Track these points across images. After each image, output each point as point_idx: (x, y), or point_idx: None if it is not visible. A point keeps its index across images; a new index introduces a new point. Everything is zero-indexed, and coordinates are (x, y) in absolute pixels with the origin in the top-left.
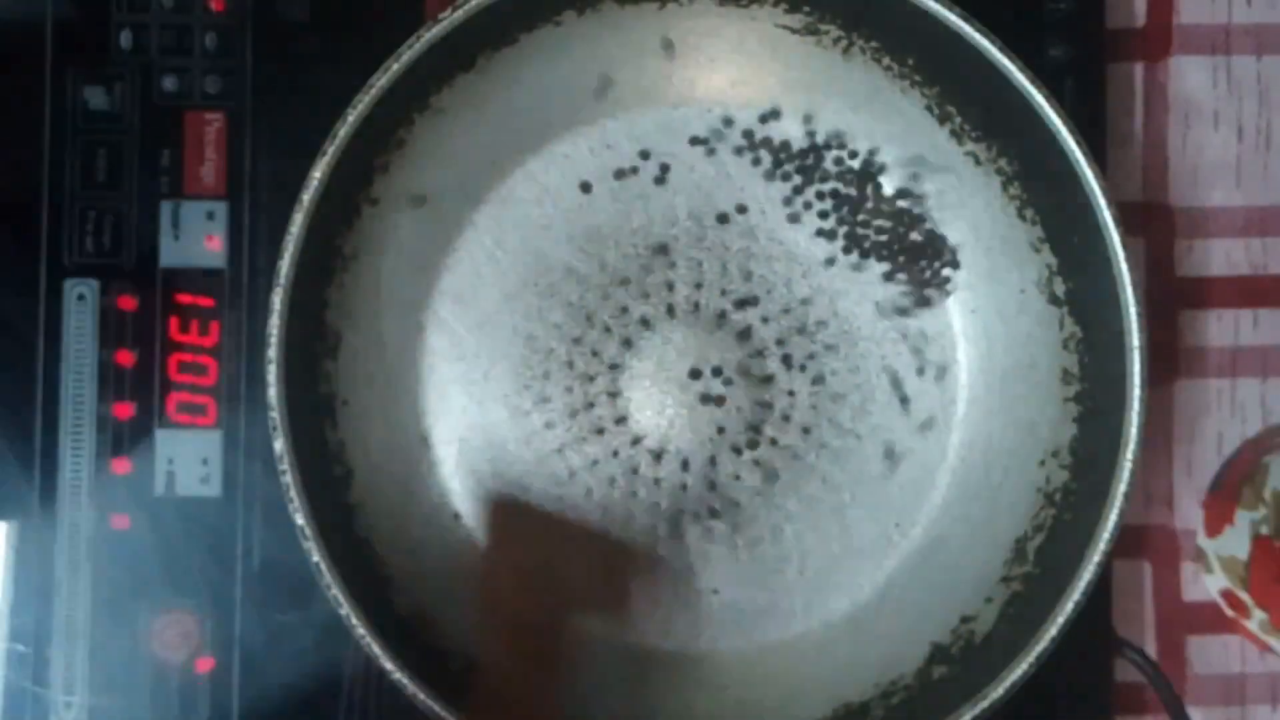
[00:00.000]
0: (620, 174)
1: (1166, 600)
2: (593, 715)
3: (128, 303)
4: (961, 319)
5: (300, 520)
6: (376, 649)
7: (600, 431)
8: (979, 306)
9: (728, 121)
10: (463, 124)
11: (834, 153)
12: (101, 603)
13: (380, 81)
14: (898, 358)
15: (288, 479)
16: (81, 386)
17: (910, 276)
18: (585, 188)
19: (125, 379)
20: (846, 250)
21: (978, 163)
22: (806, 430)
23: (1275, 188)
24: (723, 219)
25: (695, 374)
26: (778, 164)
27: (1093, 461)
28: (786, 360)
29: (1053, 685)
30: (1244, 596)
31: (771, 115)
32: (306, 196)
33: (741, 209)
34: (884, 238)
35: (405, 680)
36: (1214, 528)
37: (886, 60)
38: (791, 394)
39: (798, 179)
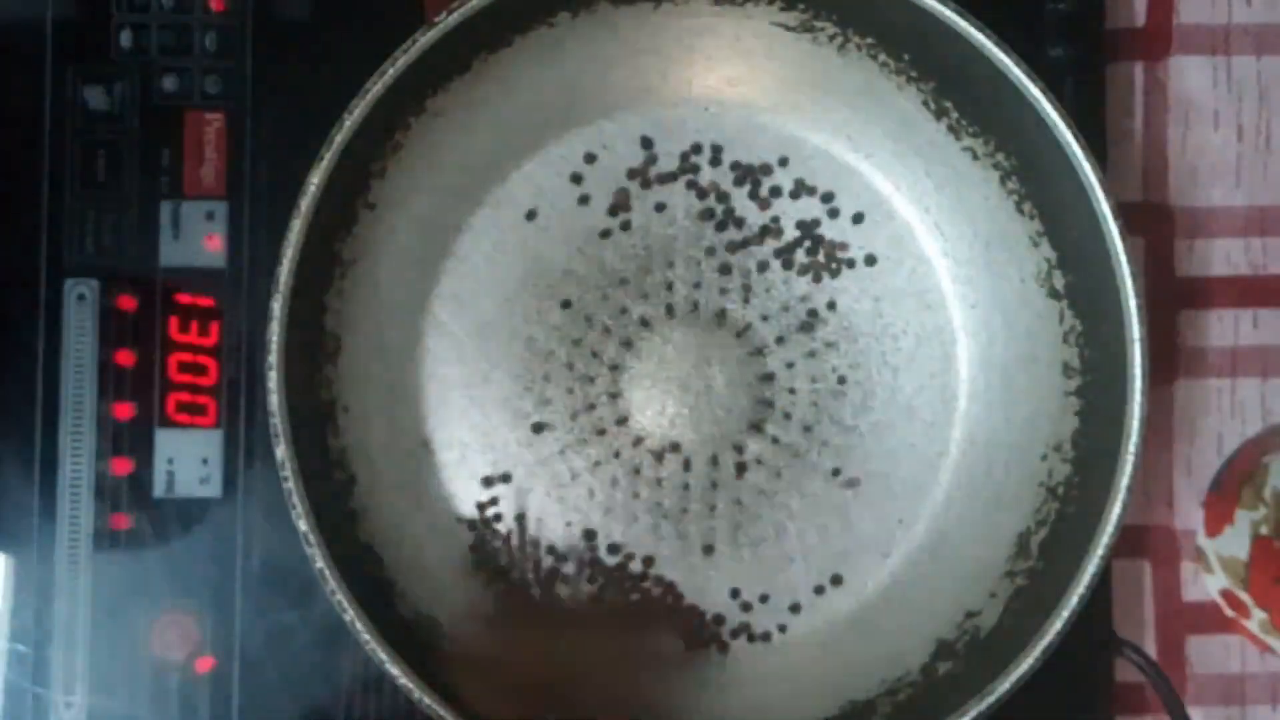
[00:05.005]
0: (619, 174)
1: (1166, 600)
2: (598, 715)
3: (128, 303)
4: (961, 314)
5: (304, 527)
6: (381, 654)
7: (601, 433)
8: (979, 301)
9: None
10: (459, 127)
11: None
12: (101, 603)
13: (375, 87)
14: (897, 353)
15: (290, 485)
16: (81, 386)
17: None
18: (584, 198)
19: (125, 379)
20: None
21: (975, 157)
22: (808, 428)
23: (1275, 188)
24: (722, 221)
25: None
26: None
27: (1095, 454)
28: (787, 358)
29: (1053, 685)
30: (1244, 596)
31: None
32: (304, 203)
33: (740, 202)
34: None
35: (411, 685)
36: (1214, 528)
37: (883, 57)
38: (792, 391)
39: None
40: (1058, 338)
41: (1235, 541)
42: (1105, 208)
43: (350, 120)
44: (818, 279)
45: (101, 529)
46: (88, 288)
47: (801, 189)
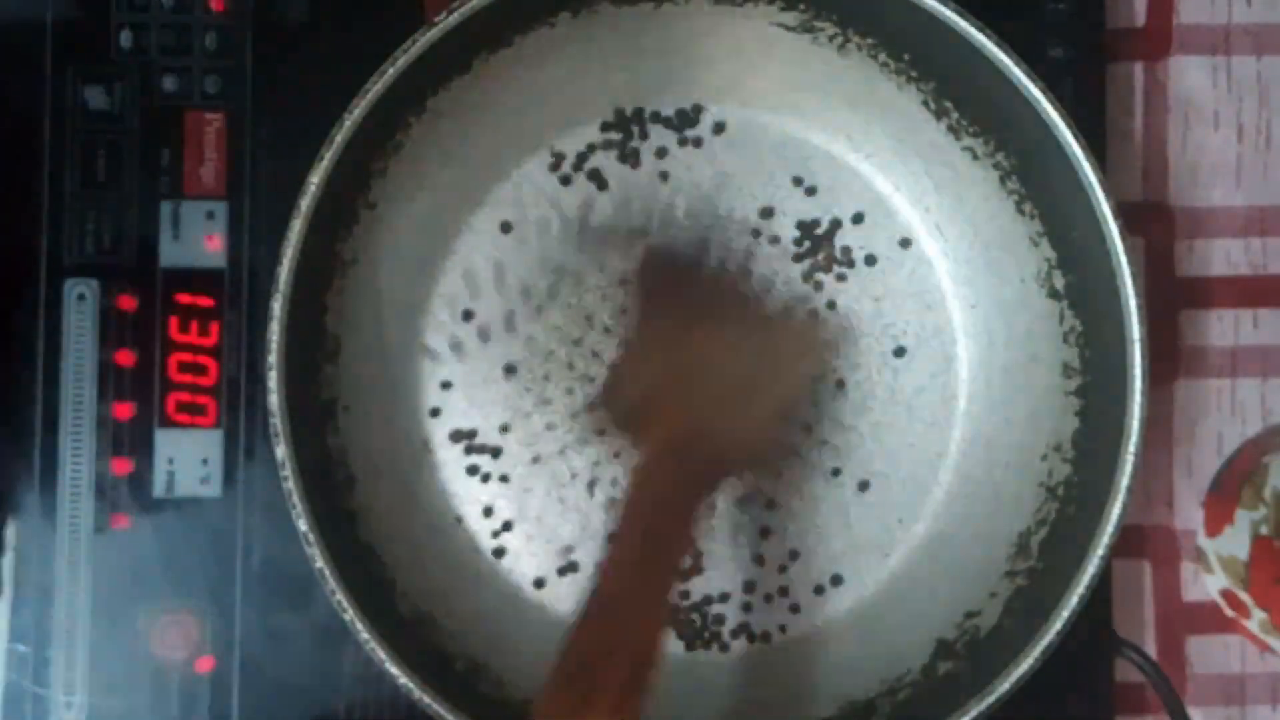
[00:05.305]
0: (618, 174)
1: (1166, 600)
2: None
3: (128, 303)
4: (962, 314)
5: (304, 526)
6: (381, 654)
7: (602, 433)
8: (979, 301)
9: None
10: (459, 127)
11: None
12: (101, 603)
13: (375, 86)
14: (898, 354)
15: (290, 485)
16: (81, 386)
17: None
18: (584, 198)
19: (125, 379)
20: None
21: (975, 157)
22: (808, 428)
23: (1275, 188)
24: (722, 216)
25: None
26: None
27: (1095, 454)
28: None
29: (1053, 685)
30: (1244, 596)
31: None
32: (304, 203)
33: (740, 202)
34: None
35: (411, 685)
36: (1214, 528)
37: (883, 57)
38: None
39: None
40: (1058, 338)
41: (1235, 541)
42: (1105, 208)
43: (350, 120)
44: (818, 280)
45: (101, 529)
46: (88, 288)
47: (801, 189)
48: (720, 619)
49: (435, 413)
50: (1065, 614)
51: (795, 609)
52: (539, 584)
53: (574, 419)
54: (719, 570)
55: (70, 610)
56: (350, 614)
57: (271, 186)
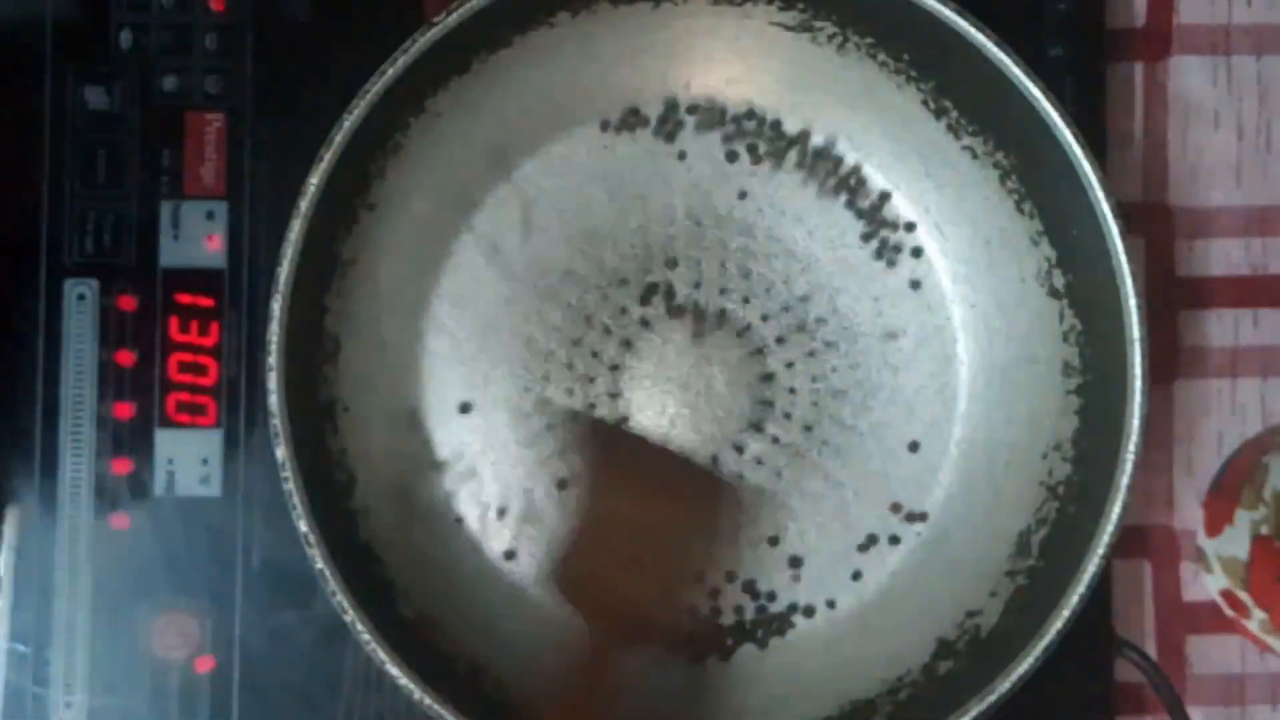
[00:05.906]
0: (617, 174)
1: (1166, 600)
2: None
3: (128, 303)
4: (962, 313)
5: (304, 527)
6: (382, 654)
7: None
8: (979, 301)
9: (722, 118)
10: (459, 127)
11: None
12: (101, 603)
13: (375, 87)
14: (897, 353)
15: (290, 486)
16: (81, 386)
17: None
18: (583, 198)
19: (125, 379)
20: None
21: (975, 156)
22: (808, 427)
23: (1275, 188)
24: (722, 216)
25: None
26: (776, 161)
27: (1095, 454)
28: (787, 358)
29: (1053, 685)
30: (1244, 596)
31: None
32: (304, 204)
33: (739, 202)
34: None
35: (412, 685)
36: (1214, 528)
37: (882, 56)
38: (792, 391)
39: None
40: (1058, 337)
41: (1235, 541)
42: (1105, 208)
43: (350, 120)
44: (818, 279)
45: (101, 529)
46: (88, 288)
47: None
48: (720, 619)
49: (435, 413)
50: (1065, 614)
51: (795, 609)
52: (540, 584)
53: (574, 419)
54: (718, 571)
55: (70, 610)
56: (351, 615)
57: (271, 186)
